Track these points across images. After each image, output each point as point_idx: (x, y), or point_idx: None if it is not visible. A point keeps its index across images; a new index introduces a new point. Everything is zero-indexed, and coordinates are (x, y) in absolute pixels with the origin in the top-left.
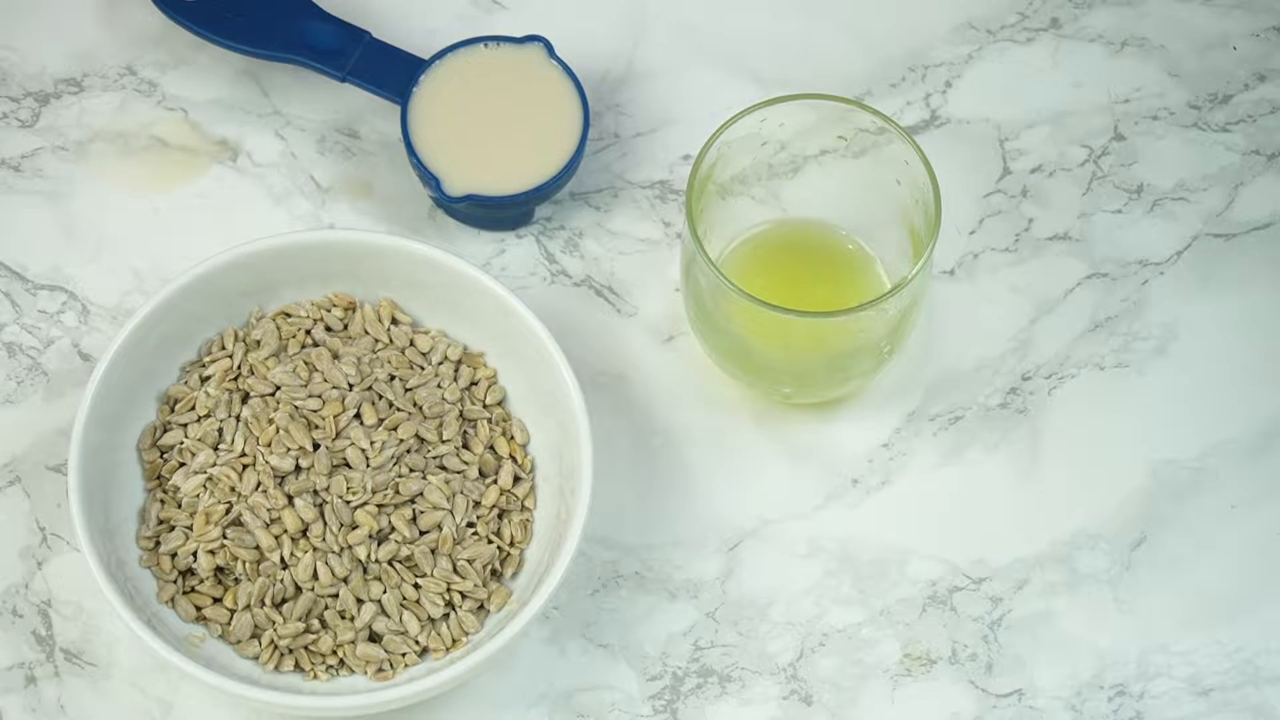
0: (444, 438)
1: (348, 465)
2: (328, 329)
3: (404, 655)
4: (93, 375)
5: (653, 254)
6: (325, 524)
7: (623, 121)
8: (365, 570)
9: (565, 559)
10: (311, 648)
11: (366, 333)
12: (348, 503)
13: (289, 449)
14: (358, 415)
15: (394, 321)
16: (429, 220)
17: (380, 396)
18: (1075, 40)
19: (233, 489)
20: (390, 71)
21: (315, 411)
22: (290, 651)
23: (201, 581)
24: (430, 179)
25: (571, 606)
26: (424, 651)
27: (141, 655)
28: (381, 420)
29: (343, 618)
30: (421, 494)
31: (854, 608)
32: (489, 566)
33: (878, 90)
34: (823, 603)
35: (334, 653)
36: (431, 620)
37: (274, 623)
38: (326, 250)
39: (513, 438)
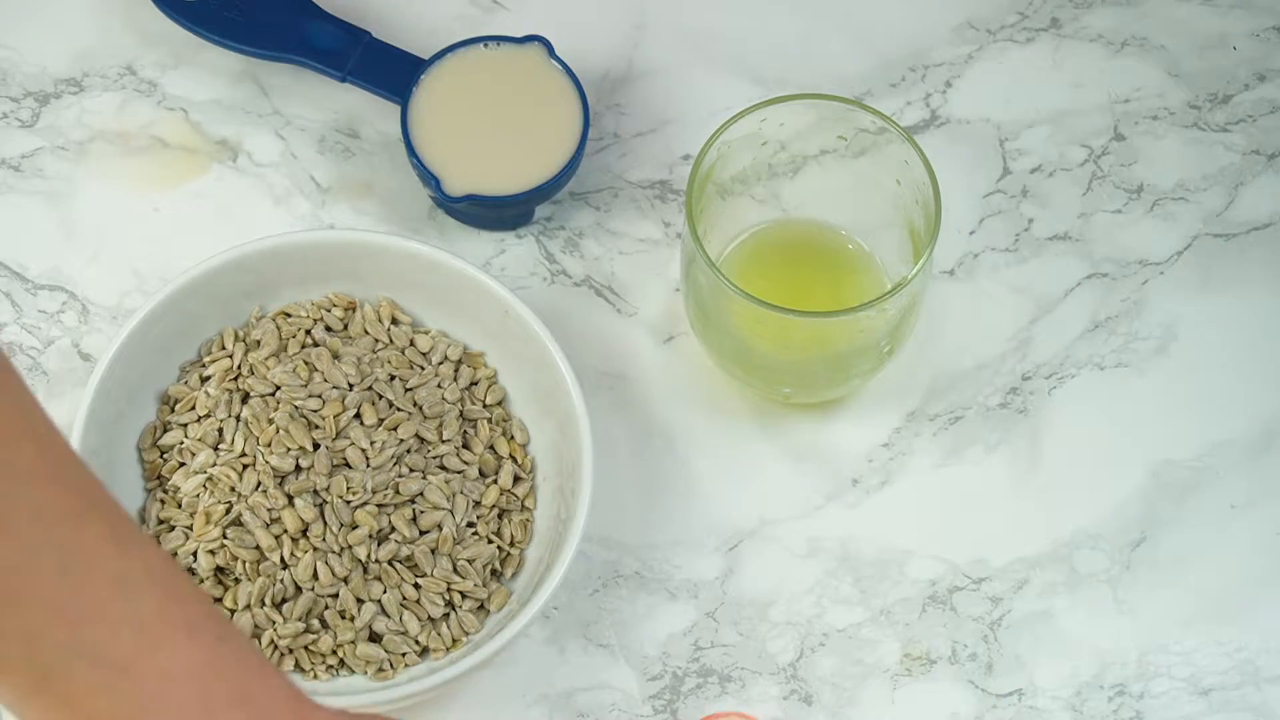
0: (444, 438)
1: (348, 465)
2: (328, 329)
3: (404, 655)
4: (93, 375)
5: (653, 254)
6: (325, 524)
7: (623, 121)
8: (365, 570)
9: (565, 559)
10: (311, 648)
11: (366, 333)
12: (348, 503)
13: (289, 449)
14: (358, 415)
15: (394, 321)
16: (429, 220)
17: (380, 396)
18: (1075, 40)
19: (233, 489)
20: (390, 71)
21: (315, 411)
22: (290, 651)
23: (201, 581)
24: (430, 179)
25: (571, 606)
26: (424, 651)
27: None
28: (381, 420)
29: (343, 618)
30: (421, 494)
31: (854, 608)
32: (489, 566)
33: (878, 90)
34: (823, 603)
35: (334, 653)
36: (431, 620)
37: (274, 623)
38: (326, 250)
39: (513, 438)
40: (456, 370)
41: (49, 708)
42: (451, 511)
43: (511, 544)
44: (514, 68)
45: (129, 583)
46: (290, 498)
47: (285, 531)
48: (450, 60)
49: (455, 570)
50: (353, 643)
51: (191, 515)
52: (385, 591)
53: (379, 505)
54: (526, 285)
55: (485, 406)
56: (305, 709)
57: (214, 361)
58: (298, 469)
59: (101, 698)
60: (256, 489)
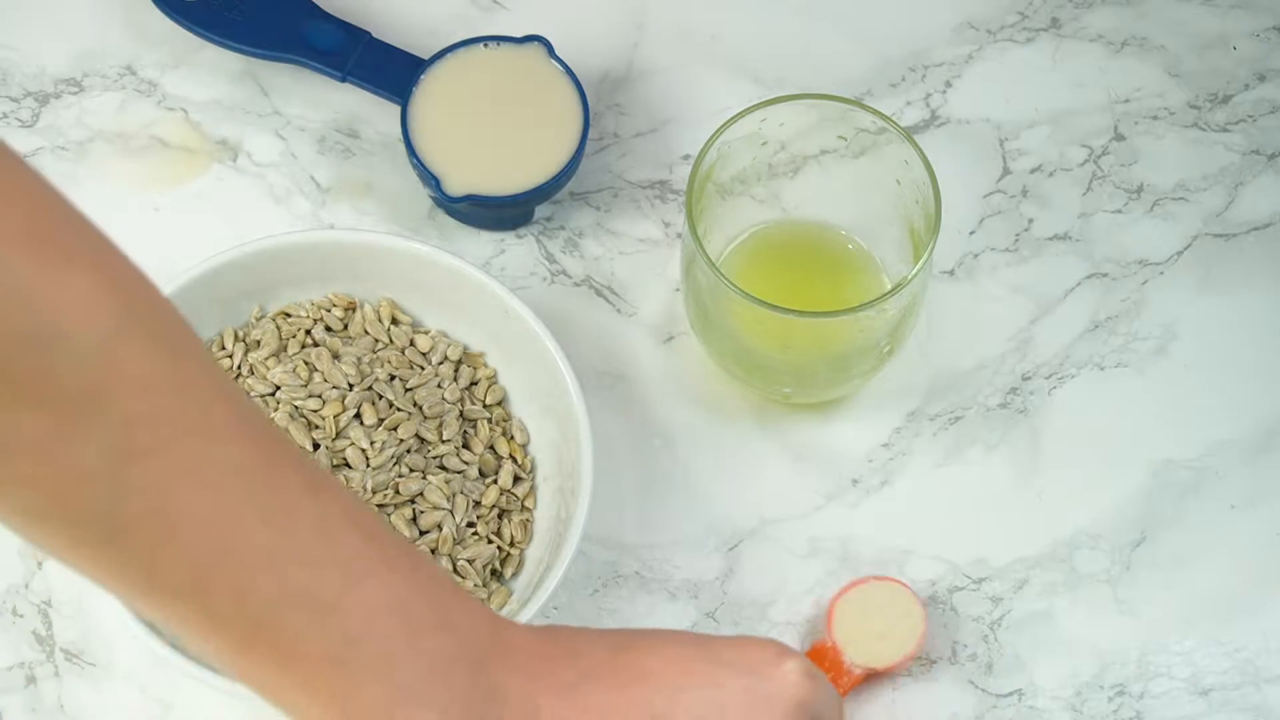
0: (444, 438)
1: (348, 465)
2: (328, 329)
3: None
4: None
5: (653, 254)
6: None
7: (623, 121)
8: None
9: (565, 559)
10: None
11: (366, 333)
12: None
13: None
14: (358, 415)
15: (394, 321)
16: (429, 220)
17: (380, 396)
18: (1075, 40)
19: None
20: (390, 71)
21: (315, 411)
22: None
23: None
24: (430, 179)
25: (571, 606)
26: None
27: (141, 655)
28: (381, 420)
29: None
30: (421, 494)
31: None
32: (489, 566)
33: (878, 90)
34: (823, 603)
35: None
36: None
37: None
38: (326, 250)
39: (513, 438)
40: (456, 370)
41: (260, 659)
42: (451, 511)
43: (511, 544)
44: (514, 68)
45: (328, 525)
46: None
47: None
48: (450, 60)
49: (455, 570)
50: None
51: None
52: None
53: (379, 505)
54: (526, 285)
55: (485, 406)
56: (501, 628)
57: None
58: None
59: (312, 640)
60: None
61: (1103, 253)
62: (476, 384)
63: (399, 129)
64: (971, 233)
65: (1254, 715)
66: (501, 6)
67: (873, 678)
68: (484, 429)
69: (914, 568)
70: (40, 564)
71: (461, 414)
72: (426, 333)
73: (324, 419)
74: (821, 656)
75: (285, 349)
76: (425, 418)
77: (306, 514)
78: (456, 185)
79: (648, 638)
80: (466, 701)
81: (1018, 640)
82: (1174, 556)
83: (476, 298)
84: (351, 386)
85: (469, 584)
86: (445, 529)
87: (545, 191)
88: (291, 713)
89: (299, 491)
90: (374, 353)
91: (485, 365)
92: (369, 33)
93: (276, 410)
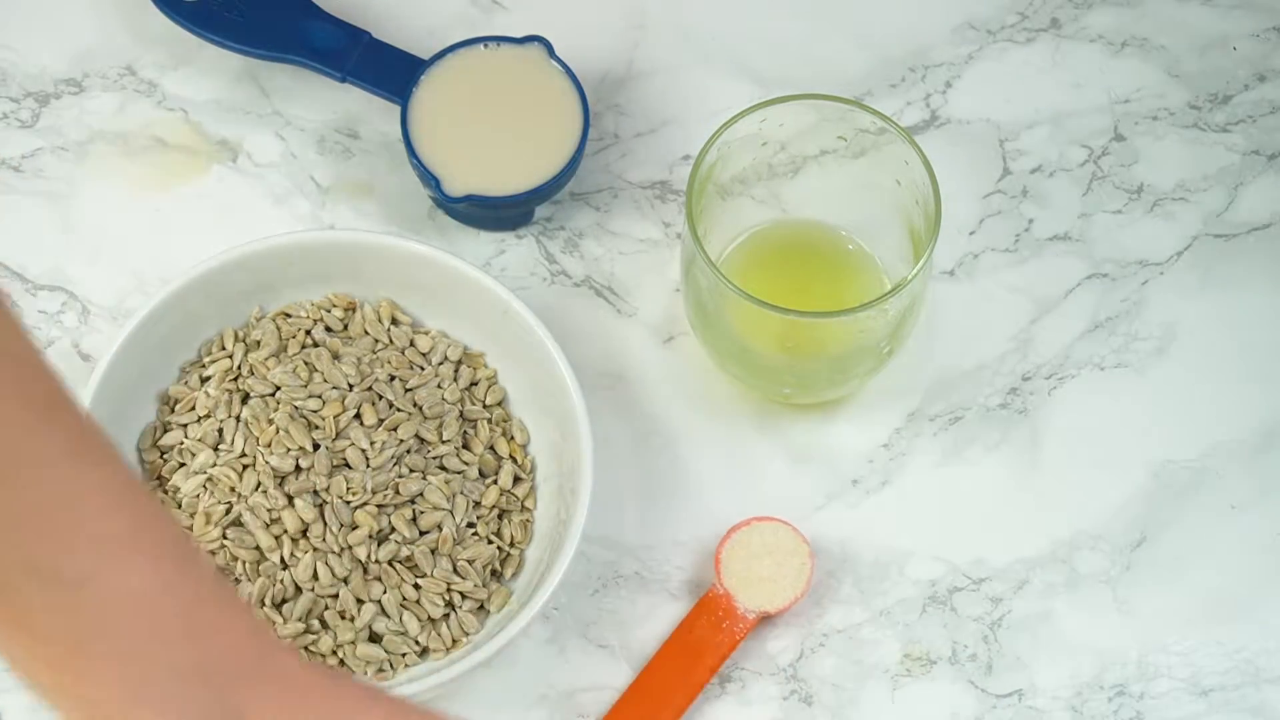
0: (444, 438)
1: (348, 465)
2: (328, 329)
3: (404, 655)
4: (93, 375)
5: (653, 254)
6: (325, 524)
7: (623, 121)
8: (365, 571)
9: (565, 559)
10: (311, 648)
11: (366, 333)
12: (348, 503)
13: (289, 449)
14: (358, 415)
15: (394, 321)
16: (429, 220)
17: (380, 397)
18: (1075, 40)
19: (233, 489)
20: (390, 71)
21: (315, 412)
22: None
23: None
24: (430, 179)
25: (571, 606)
26: (424, 652)
27: None
28: (381, 420)
29: (343, 618)
30: (421, 494)
31: (854, 608)
32: (489, 567)
33: (878, 90)
34: (823, 603)
35: (334, 653)
36: (431, 620)
37: (274, 623)
38: (326, 250)
39: (513, 438)
40: (456, 370)
41: (8, 632)
42: (451, 512)
43: (511, 544)
44: (514, 68)
45: (84, 500)
46: (290, 498)
47: (285, 532)
48: (450, 60)
49: (455, 571)
50: (353, 643)
51: (192, 516)
52: (385, 592)
53: (379, 505)
54: (526, 285)
55: (485, 407)
56: (272, 654)
57: (214, 362)
58: (298, 469)
59: (50, 618)
60: (256, 489)
61: (1103, 253)
62: (476, 384)
63: (399, 129)
64: (971, 233)
65: (1254, 715)
66: (501, 6)
67: (766, 620)
68: (484, 429)
69: (914, 568)
70: None
71: (461, 414)
72: (426, 333)
73: (324, 419)
74: (714, 606)
75: (285, 349)
76: (425, 418)
77: (60, 484)
78: (456, 185)
79: None
80: (201, 718)
81: (1018, 640)
82: (1174, 556)
83: (476, 298)
84: (351, 387)
85: (469, 584)
86: (445, 529)
87: (545, 191)
88: (41, 693)
89: (59, 460)
90: (374, 353)
91: (485, 365)
92: (369, 33)
93: (277, 410)
